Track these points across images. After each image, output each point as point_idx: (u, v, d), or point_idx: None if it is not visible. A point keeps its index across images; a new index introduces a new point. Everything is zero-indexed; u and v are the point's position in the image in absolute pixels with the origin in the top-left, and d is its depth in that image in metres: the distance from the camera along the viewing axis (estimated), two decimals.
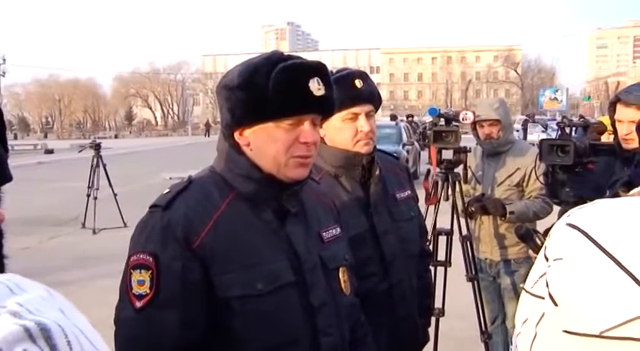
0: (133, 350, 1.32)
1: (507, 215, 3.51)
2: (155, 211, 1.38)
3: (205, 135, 54.62)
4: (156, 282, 1.30)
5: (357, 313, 1.63)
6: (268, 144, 1.38)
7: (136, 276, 1.31)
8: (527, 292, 0.63)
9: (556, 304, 0.56)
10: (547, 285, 0.58)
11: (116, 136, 63.03)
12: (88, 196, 9.62)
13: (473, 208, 3.62)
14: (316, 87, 1.35)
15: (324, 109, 1.42)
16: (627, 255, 0.53)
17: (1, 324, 0.49)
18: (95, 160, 9.91)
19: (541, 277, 0.60)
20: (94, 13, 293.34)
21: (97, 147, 10.08)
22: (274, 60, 1.36)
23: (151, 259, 1.31)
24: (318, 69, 1.39)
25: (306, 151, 1.39)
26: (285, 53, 1.44)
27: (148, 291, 1.30)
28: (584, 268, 0.55)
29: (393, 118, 20.94)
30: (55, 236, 9.26)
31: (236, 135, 1.40)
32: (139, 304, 1.30)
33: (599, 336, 0.53)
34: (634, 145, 2.48)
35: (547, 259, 0.60)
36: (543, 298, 0.59)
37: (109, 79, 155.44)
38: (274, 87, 1.32)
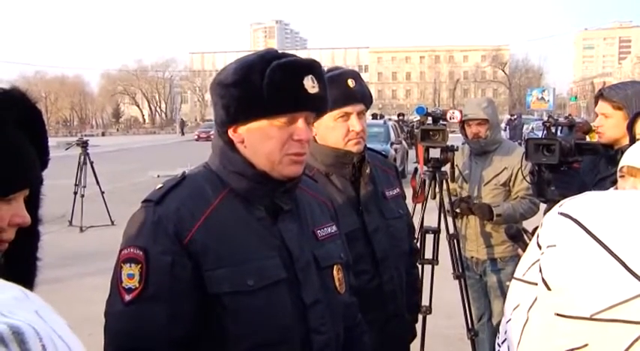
0: (121, 343, 1.32)
1: (495, 218, 3.53)
2: (147, 205, 1.38)
3: (181, 133, 54.87)
4: (145, 276, 1.30)
5: (354, 313, 1.63)
6: (263, 141, 1.39)
7: (126, 270, 1.32)
8: (518, 279, 0.66)
9: (549, 289, 0.58)
10: (540, 271, 0.60)
11: (103, 134, 62.50)
12: (75, 193, 9.56)
13: (459, 210, 3.64)
14: (310, 85, 1.36)
15: (317, 106, 1.43)
16: (617, 242, 0.55)
17: None
18: (82, 157, 9.84)
19: (533, 264, 0.63)
20: (82, 11, 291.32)
21: (84, 144, 10.01)
22: (269, 58, 1.37)
23: (141, 253, 1.31)
24: (312, 67, 1.40)
25: (299, 148, 1.40)
26: (279, 51, 1.44)
27: (137, 285, 1.30)
28: (577, 255, 0.57)
29: (375, 116, 20.75)
30: (41, 234, 9.16)
31: (230, 132, 1.41)
32: (128, 297, 1.31)
33: (590, 318, 0.55)
34: (605, 138, 2.57)
35: (540, 247, 0.62)
36: (536, 283, 0.61)
37: (96, 76, 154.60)
38: (269, 84, 1.33)
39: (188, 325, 1.32)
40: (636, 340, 0.53)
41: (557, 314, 0.57)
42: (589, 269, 0.56)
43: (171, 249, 1.32)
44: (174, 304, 1.31)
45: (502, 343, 0.69)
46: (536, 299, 0.61)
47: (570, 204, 0.62)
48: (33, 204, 1.13)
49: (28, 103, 1.08)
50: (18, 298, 0.54)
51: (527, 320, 0.62)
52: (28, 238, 1.12)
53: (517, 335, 0.63)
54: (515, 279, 0.66)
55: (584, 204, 0.61)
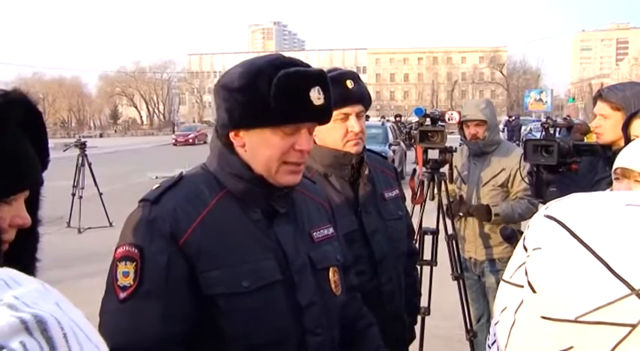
0: (115, 340, 1.31)
1: (492, 217, 3.54)
2: (144, 204, 1.38)
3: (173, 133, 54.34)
4: (139, 274, 1.30)
5: (354, 309, 1.64)
6: (263, 149, 1.38)
7: (121, 268, 1.32)
8: (506, 282, 0.66)
9: (534, 291, 0.59)
10: (526, 273, 0.61)
11: (101, 135, 62.51)
12: (73, 195, 9.58)
13: (460, 213, 3.65)
14: (316, 96, 1.35)
15: (322, 117, 1.42)
16: (601, 244, 0.56)
17: None
18: (80, 159, 9.86)
19: (520, 266, 0.63)
20: (80, 12, 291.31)
21: (82, 146, 10.02)
22: (277, 64, 1.35)
23: (136, 251, 1.31)
24: (319, 78, 1.39)
25: (300, 158, 1.40)
26: (286, 56, 1.43)
27: (132, 282, 1.30)
28: (562, 257, 0.57)
29: (366, 118, 20.79)
30: (41, 235, 9.15)
31: (231, 135, 1.41)
32: (122, 295, 1.30)
33: (575, 321, 0.55)
34: (603, 139, 2.58)
35: (526, 249, 0.62)
36: (522, 286, 0.61)
37: (94, 77, 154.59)
38: (276, 94, 1.32)
39: (183, 323, 1.32)
40: (620, 341, 0.54)
41: (543, 317, 0.58)
42: (574, 272, 0.56)
43: (167, 249, 1.31)
44: (169, 302, 1.30)
45: (492, 344, 0.69)
46: (522, 301, 0.61)
47: (556, 206, 0.62)
48: (33, 205, 1.14)
49: (29, 105, 1.09)
50: (39, 290, 0.56)
51: (514, 322, 0.63)
52: (27, 239, 1.13)
53: (504, 337, 0.64)
54: (504, 281, 0.67)
55: (569, 206, 0.61)
